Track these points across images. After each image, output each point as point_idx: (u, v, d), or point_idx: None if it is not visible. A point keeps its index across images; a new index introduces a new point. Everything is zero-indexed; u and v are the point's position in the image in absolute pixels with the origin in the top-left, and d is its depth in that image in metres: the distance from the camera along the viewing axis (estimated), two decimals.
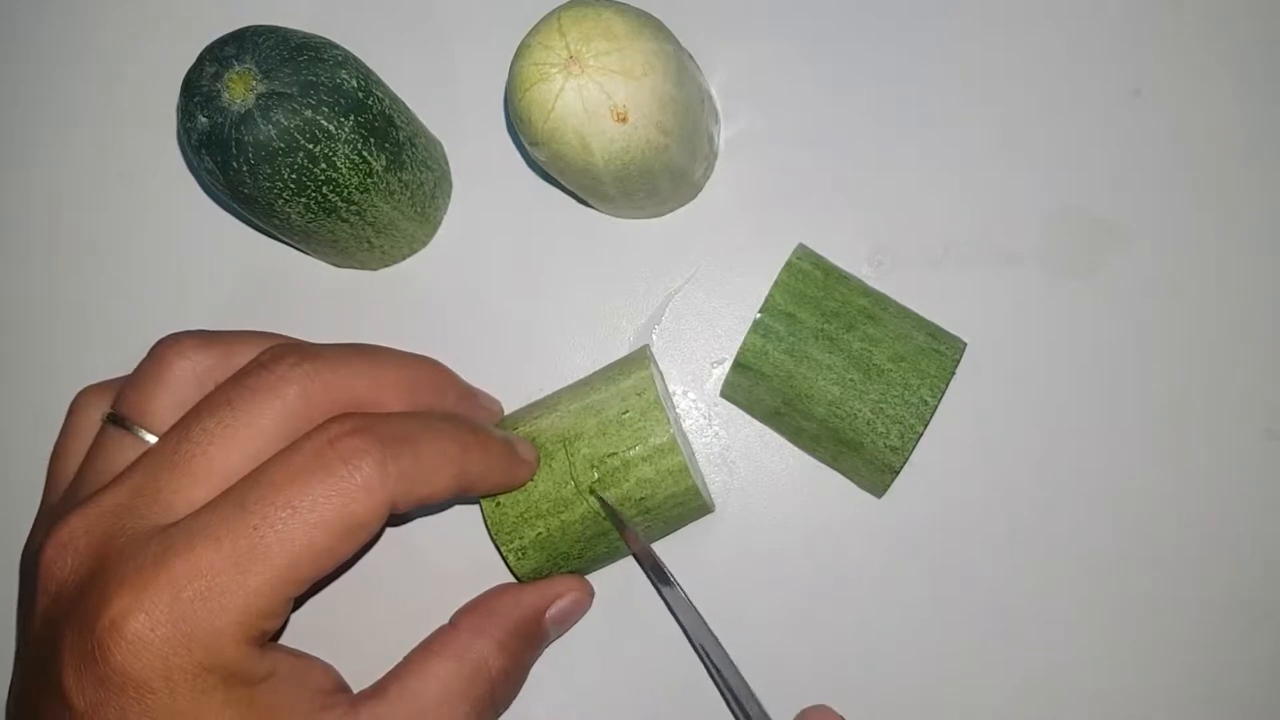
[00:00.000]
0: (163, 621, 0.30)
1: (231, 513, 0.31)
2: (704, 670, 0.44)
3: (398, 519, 0.42)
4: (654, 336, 0.46)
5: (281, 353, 0.35)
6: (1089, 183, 0.46)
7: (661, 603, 0.44)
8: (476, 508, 0.42)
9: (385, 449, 0.33)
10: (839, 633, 0.45)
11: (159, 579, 0.30)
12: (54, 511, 0.36)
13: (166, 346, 0.37)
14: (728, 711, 0.43)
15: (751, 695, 0.39)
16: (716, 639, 0.40)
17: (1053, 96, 0.46)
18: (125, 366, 0.48)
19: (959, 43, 0.47)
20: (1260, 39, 0.46)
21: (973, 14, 0.47)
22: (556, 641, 0.43)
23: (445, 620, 0.40)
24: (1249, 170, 0.46)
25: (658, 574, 0.41)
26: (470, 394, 0.41)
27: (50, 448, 0.48)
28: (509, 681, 0.39)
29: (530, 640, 0.40)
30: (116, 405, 0.37)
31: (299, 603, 0.34)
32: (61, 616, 0.32)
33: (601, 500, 0.40)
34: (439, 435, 0.35)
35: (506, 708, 0.40)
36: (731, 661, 0.40)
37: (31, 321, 0.49)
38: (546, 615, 0.41)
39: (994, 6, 0.47)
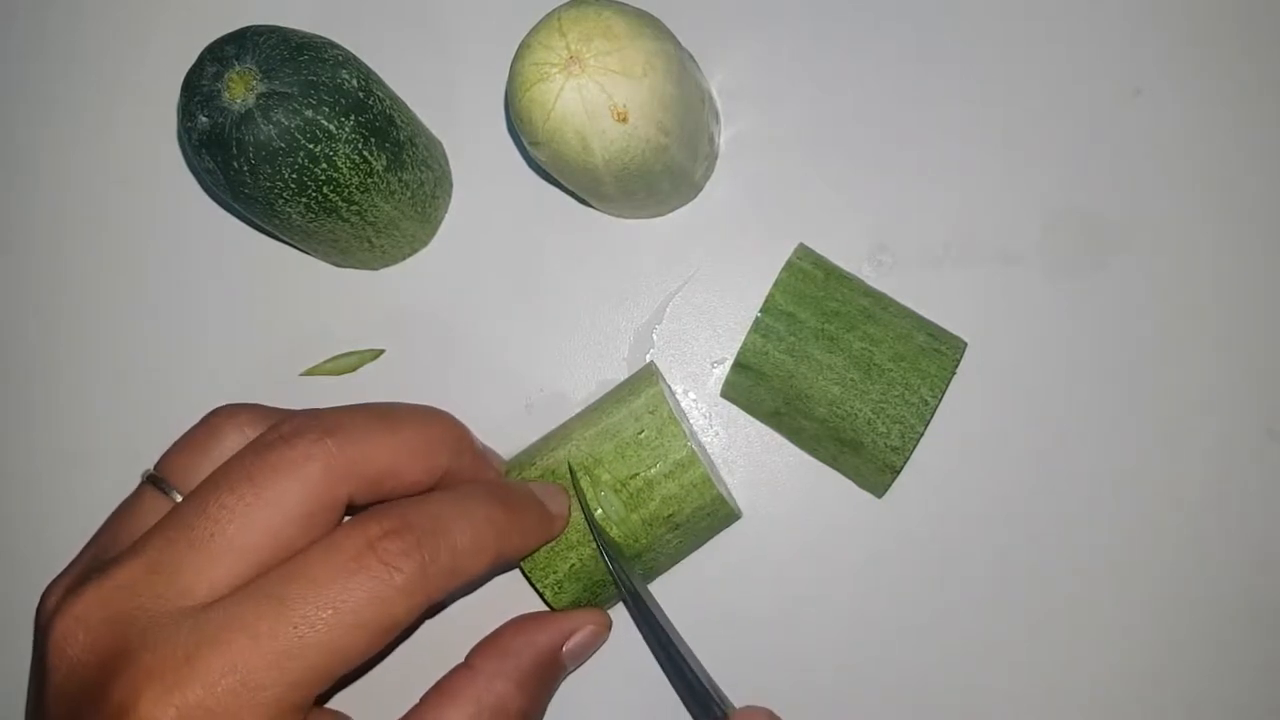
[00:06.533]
0: (195, 717, 0.30)
1: (270, 608, 0.31)
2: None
3: (436, 608, 0.42)
4: (654, 336, 0.46)
5: (302, 427, 0.34)
6: (1089, 183, 0.46)
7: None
8: None
9: (424, 549, 0.33)
10: (838, 632, 0.45)
11: (192, 672, 0.30)
12: (74, 565, 0.35)
13: (222, 416, 0.37)
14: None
15: (714, 692, 0.38)
16: (677, 635, 0.40)
17: (1053, 96, 0.46)
18: (124, 366, 0.48)
19: (959, 43, 0.47)
20: (1261, 39, 0.46)
21: (973, 14, 0.47)
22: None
23: (464, 646, 0.39)
24: (1249, 170, 0.46)
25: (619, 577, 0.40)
26: (484, 451, 0.41)
27: (44, 447, 0.48)
28: None
29: (547, 677, 0.40)
30: (160, 467, 0.36)
31: (324, 697, 0.33)
32: (82, 699, 0.31)
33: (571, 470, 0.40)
34: (473, 520, 0.35)
35: None
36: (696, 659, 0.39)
37: (30, 321, 0.49)
38: (563, 650, 0.40)
39: (994, 7, 0.47)
